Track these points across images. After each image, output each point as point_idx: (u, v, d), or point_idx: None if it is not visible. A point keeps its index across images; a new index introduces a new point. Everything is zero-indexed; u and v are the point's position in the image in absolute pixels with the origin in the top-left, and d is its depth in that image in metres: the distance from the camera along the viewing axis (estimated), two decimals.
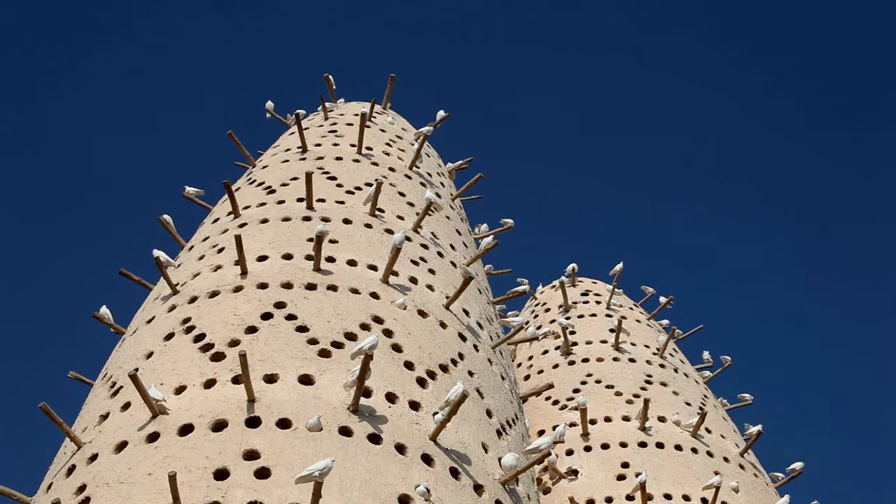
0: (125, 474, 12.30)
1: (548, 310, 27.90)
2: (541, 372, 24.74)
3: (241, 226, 17.83)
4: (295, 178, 19.43)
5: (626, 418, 22.35)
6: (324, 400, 13.28)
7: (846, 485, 59.99)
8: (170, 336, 14.94)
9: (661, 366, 24.75)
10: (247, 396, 13.10)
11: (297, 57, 77.94)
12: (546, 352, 25.40)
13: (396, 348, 14.87)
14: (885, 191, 74.96)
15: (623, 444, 21.58)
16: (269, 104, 25.12)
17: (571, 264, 28.97)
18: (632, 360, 24.59)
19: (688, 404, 23.29)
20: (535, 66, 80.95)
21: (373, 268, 16.59)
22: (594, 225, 77.92)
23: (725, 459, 21.93)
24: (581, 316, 26.80)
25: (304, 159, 20.66)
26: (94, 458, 13.10)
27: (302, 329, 14.62)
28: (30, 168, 69.79)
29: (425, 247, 18.17)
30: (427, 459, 13.16)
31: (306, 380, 13.66)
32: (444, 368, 15.09)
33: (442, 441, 13.62)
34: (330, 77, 25.70)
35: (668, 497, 20.32)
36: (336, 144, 21.49)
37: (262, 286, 15.54)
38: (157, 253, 16.63)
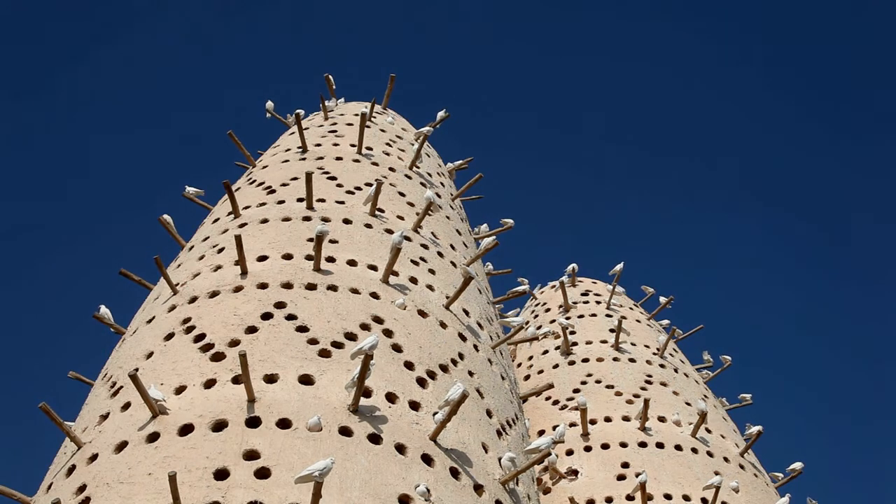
0: (125, 474, 12.30)
1: (548, 310, 27.90)
2: (541, 372, 24.73)
3: (242, 226, 17.83)
4: (295, 178, 19.43)
5: (626, 418, 22.35)
6: (324, 400, 13.29)
7: (846, 485, 60.03)
8: (170, 336, 14.94)
9: (661, 366, 24.75)
10: (247, 396, 13.10)
11: (297, 57, 77.99)
12: (546, 352, 25.40)
13: (396, 348, 14.87)
14: (886, 190, 75.01)
15: (623, 444, 21.58)
16: (269, 104, 25.13)
17: (571, 264, 28.97)
18: (632, 360, 24.58)
19: (688, 404, 23.29)
20: (536, 66, 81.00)
21: (373, 268, 16.59)
22: (594, 225, 77.94)
23: (725, 459, 21.93)
24: (581, 316, 26.79)
25: (304, 159, 20.66)
26: (94, 458, 13.10)
27: (302, 329, 14.62)
28: (30, 167, 69.83)
29: (425, 247, 18.17)
30: (427, 459, 13.16)
31: (306, 380, 13.66)
32: (444, 368, 15.09)
33: (442, 441, 13.62)
34: (330, 77, 25.72)
35: (668, 497, 20.32)
36: (336, 144, 21.49)
37: (262, 286, 15.54)
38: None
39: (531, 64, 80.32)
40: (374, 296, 15.81)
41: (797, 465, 23.46)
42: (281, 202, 18.61)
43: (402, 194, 19.81)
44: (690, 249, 76.19)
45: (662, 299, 28.42)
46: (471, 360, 15.95)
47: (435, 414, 13.86)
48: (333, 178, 19.59)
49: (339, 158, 20.65)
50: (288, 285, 15.59)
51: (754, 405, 27.16)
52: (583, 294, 28.15)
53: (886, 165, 74.19)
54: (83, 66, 73.95)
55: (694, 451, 21.68)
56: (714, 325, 63.68)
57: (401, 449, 13.04)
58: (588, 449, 21.56)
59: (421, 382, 14.50)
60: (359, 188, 19.31)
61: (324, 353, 14.21)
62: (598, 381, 23.69)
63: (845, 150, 76.88)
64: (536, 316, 27.87)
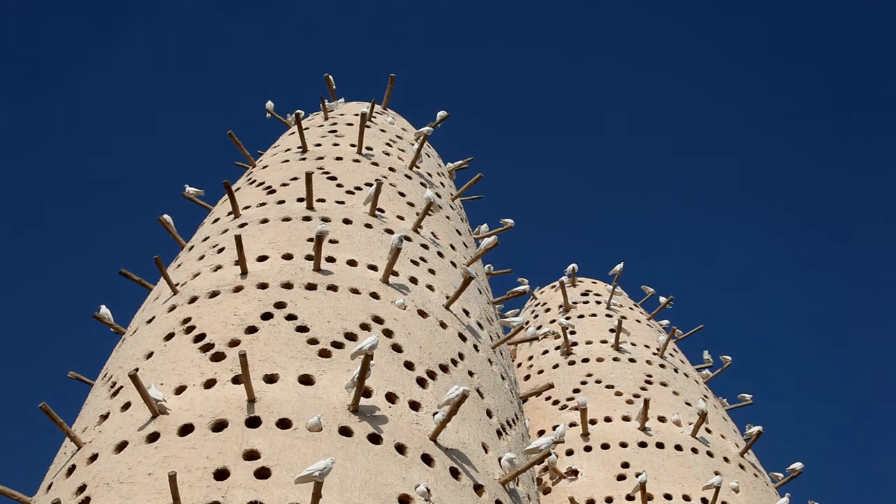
0: (125, 474, 12.31)
1: (548, 310, 27.90)
2: (541, 372, 24.74)
3: (242, 226, 17.83)
4: (295, 178, 19.43)
5: (626, 418, 22.35)
6: (324, 400, 13.29)
7: (846, 485, 60.03)
8: (170, 336, 14.95)
9: (661, 366, 24.75)
10: (247, 396, 13.10)
11: (297, 57, 78.00)
12: (546, 352, 25.40)
13: (396, 348, 14.87)
14: (886, 190, 75.02)
15: (623, 444, 21.58)
16: (269, 104, 25.13)
17: (571, 264, 28.98)
18: (632, 360, 24.58)
19: (688, 404, 23.29)
20: (535, 66, 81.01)
21: (373, 268, 16.59)
22: (594, 225, 77.93)
23: (725, 459, 21.93)
24: (581, 316, 26.79)
25: (304, 159, 20.66)
26: (94, 458, 13.10)
27: (302, 329, 14.62)
28: (30, 167, 69.84)
29: (425, 247, 18.17)
30: (427, 459, 13.16)
31: (306, 380, 13.66)
32: (444, 368, 15.09)
33: (442, 441, 13.62)
34: (330, 77, 25.69)
35: (668, 497, 20.32)
36: (336, 144, 21.50)
37: (263, 286, 15.54)
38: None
39: (531, 64, 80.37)
40: (374, 296, 15.81)
41: (797, 465, 23.47)
42: (281, 202, 18.61)
43: (402, 194, 19.82)
44: (690, 249, 76.21)
45: (662, 299, 28.43)
46: (471, 360, 15.95)
47: (435, 414, 13.85)
48: (333, 178, 19.60)
49: (339, 158, 20.65)
50: (288, 285, 15.59)
51: (754, 405, 27.18)
52: (583, 294, 28.15)
53: (887, 165, 74.22)
54: (83, 66, 74.01)
55: (694, 451, 21.68)
56: (714, 325, 63.72)
57: (401, 449, 13.04)
58: (588, 449, 21.56)
59: (421, 382, 14.50)
60: (359, 188, 19.31)
61: (324, 353, 14.21)
62: (598, 381, 23.70)
63: (846, 150, 76.92)
64: (536, 316, 27.87)
